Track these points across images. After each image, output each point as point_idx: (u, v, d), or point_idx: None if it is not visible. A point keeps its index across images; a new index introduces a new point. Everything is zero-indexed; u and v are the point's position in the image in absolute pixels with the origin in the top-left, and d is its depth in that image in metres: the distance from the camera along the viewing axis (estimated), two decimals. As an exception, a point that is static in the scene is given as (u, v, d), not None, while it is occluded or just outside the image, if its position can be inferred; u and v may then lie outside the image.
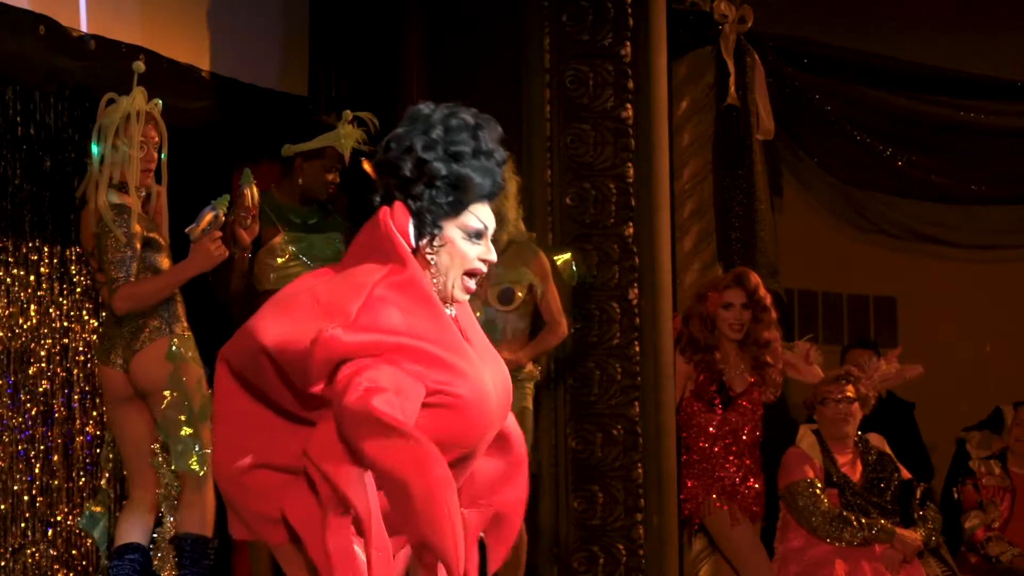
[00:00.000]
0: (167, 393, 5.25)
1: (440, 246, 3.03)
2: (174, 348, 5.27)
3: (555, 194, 6.73)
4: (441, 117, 3.01)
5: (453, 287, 3.05)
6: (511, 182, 5.90)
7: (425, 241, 3.03)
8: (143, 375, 5.28)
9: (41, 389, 6.06)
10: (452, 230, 3.03)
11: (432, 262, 3.03)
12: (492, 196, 3.07)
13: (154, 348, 5.27)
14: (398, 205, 3.01)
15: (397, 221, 3.00)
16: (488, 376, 3.02)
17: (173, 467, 5.30)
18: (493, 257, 3.08)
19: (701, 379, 6.65)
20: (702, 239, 7.58)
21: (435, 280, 3.04)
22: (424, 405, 2.88)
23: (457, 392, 2.91)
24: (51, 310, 6.10)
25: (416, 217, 3.01)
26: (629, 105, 6.76)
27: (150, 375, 5.28)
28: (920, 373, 7.08)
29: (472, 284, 3.07)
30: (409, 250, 3.00)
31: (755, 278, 6.74)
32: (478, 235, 3.05)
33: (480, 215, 3.05)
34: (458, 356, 2.96)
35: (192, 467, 5.28)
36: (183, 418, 5.25)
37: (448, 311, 3.05)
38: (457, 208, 3.02)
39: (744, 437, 6.60)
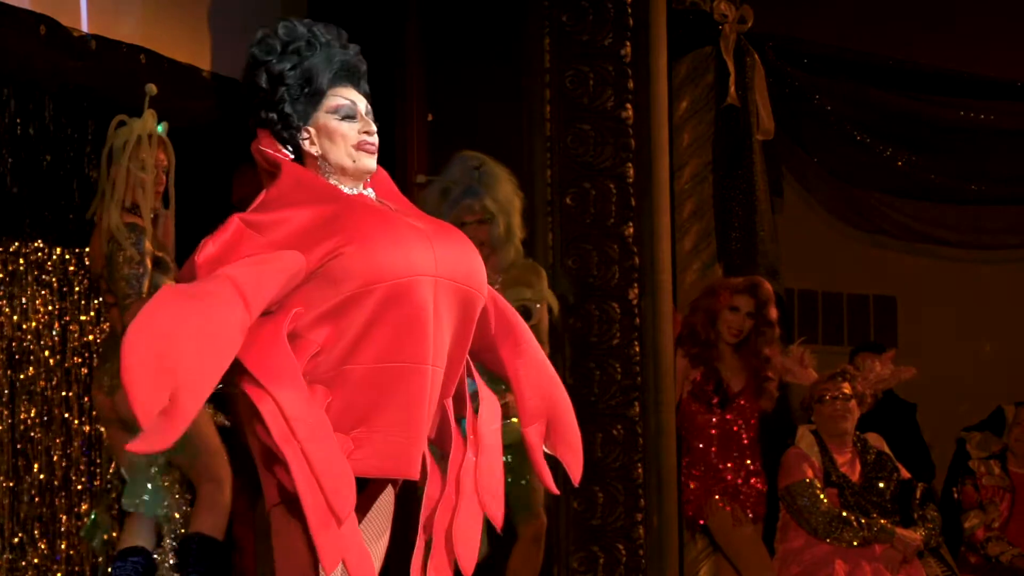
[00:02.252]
0: None
1: (319, 137, 3.14)
2: None
3: (555, 194, 6.72)
4: (272, 29, 3.17)
5: (353, 162, 3.13)
6: (517, 198, 5.87)
7: (305, 138, 3.14)
8: (126, 410, 5.29)
9: (40, 389, 6.06)
10: (323, 118, 3.14)
11: (317, 153, 3.14)
12: (346, 75, 3.18)
13: None
14: (259, 131, 3.17)
15: (263, 144, 3.15)
16: (413, 229, 3.05)
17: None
18: (372, 129, 3.15)
19: (698, 379, 6.65)
20: (702, 239, 7.58)
21: (329, 171, 3.13)
22: (322, 269, 2.93)
23: (343, 240, 2.94)
24: (50, 310, 6.10)
25: (284, 122, 3.13)
26: (629, 105, 6.76)
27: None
28: (913, 374, 7.07)
29: (370, 154, 3.14)
30: (283, 157, 3.13)
31: (769, 292, 6.73)
32: (349, 114, 3.15)
33: (342, 94, 3.17)
34: (346, 213, 3.00)
35: (156, 512, 5.31)
36: (151, 461, 5.25)
37: (352, 191, 3.14)
38: (315, 97, 3.14)
39: (743, 437, 6.60)
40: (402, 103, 6.88)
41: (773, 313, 6.68)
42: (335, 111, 3.14)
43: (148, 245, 5.29)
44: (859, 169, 8.52)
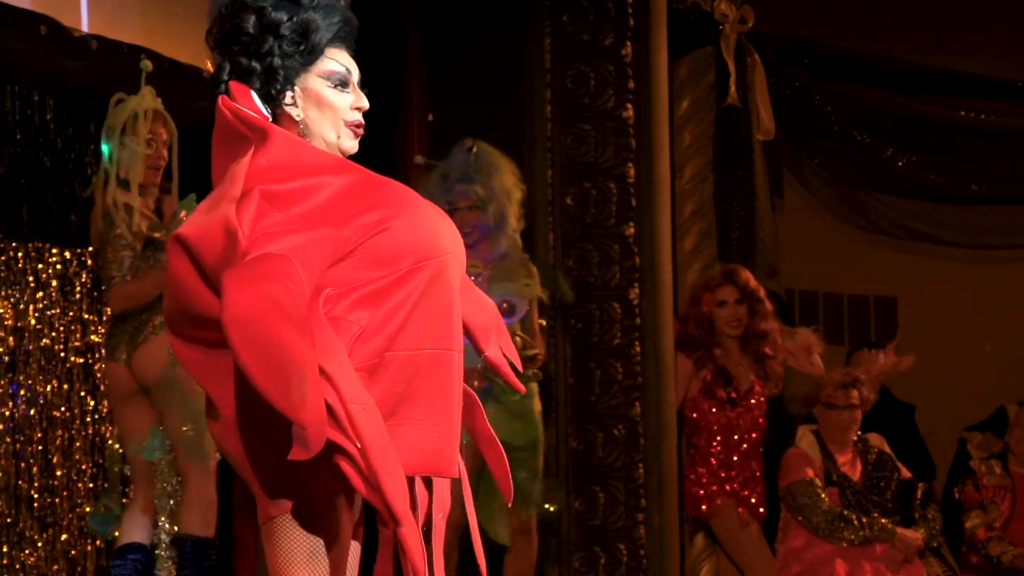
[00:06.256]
0: (170, 392, 5.25)
1: (305, 101, 2.84)
2: None
3: (556, 194, 6.73)
4: None
5: (339, 138, 2.85)
6: (516, 189, 5.86)
7: (289, 100, 2.83)
8: (144, 370, 5.28)
9: (41, 389, 6.06)
10: (313, 81, 2.83)
11: (298, 118, 2.84)
12: (345, 36, 2.86)
13: (157, 343, 5.27)
14: (233, 85, 2.80)
15: (240, 100, 2.79)
16: (422, 200, 2.81)
17: (192, 455, 5.27)
18: (365, 104, 2.87)
19: (708, 378, 6.64)
20: (703, 239, 7.58)
21: (309, 138, 2.83)
22: (364, 246, 2.67)
23: (388, 214, 2.69)
24: (51, 310, 6.10)
25: (269, 75, 2.80)
26: (630, 105, 6.76)
27: (151, 370, 5.27)
28: (912, 362, 7.03)
29: (356, 136, 2.86)
30: (265, 119, 2.78)
31: (745, 273, 6.74)
32: (343, 82, 2.85)
33: (338, 58, 2.85)
34: (376, 183, 2.74)
35: (192, 457, 5.27)
36: (183, 417, 5.24)
37: None
38: (310, 56, 2.82)
39: (754, 435, 6.59)
40: (402, 103, 6.89)
41: (760, 291, 6.68)
42: (328, 76, 2.83)
43: (139, 226, 5.28)
44: (860, 169, 8.52)
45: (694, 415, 6.65)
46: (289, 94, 2.83)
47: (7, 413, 5.94)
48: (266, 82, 2.82)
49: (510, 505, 3.07)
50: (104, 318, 6.10)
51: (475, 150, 5.77)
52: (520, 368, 3.11)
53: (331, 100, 2.84)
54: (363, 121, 2.88)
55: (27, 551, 5.95)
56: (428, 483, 2.83)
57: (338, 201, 2.68)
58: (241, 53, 2.81)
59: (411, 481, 2.75)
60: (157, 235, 5.35)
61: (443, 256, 2.74)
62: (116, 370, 5.36)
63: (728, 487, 6.55)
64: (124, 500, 5.55)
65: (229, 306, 2.50)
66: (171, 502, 5.34)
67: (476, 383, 5.49)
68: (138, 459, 5.41)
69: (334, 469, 2.63)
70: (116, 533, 5.46)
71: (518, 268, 5.83)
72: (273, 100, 2.83)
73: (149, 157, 5.37)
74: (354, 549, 2.88)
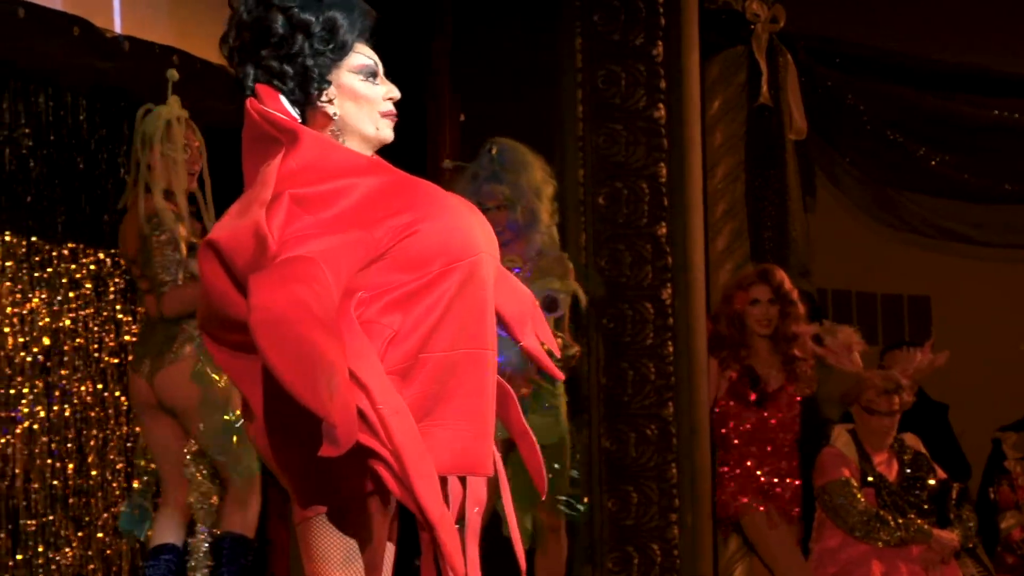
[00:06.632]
0: (201, 416, 5.23)
1: (340, 98, 2.84)
2: (199, 367, 5.24)
3: (587, 194, 6.73)
4: None
5: (376, 130, 2.87)
6: (546, 185, 5.85)
7: (325, 98, 2.83)
8: (167, 393, 5.29)
9: (75, 390, 6.08)
10: (345, 76, 2.84)
11: (335, 116, 2.85)
12: (366, 29, 2.88)
13: (179, 367, 5.26)
14: (260, 88, 2.80)
15: (268, 103, 2.79)
16: (460, 200, 2.83)
17: (237, 473, 5.27)
18: (397, 94, 2.89)
19: (733, 378, 6.62)
20: (735, 238, 7.56)
21: (344, 137, 2.85)
22: (395, 249, 2.68)
23: (418, 217, 2.70)
24: (85, 311, 6.12)
25: (303, 75, 2.81)
26: (661, 105, 6.76)
27: (174, 394, 5.28)
28: (947, 357, 6.99)
29: (392, 124, 2.89)
30: (294, 121, 2.80)
31: (780, 273, 6.72)
32: (373, 73, 2.86)
33: (365, 52, 2.87)
34: (406, 185, 2.76)
35: (252, 469, 5.28)
36: (227, 433, 5.23)
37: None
38: (340, 52, 2.83)
39: (782, 435, 6.57)
40: (434, 104, 6.89)
41: (793, 292, 6.66)
42: (360, 70, 2.85)
43: (182, 231, 5.30)
44: (892, 169, 8.48)
45: (724, 415, 6.64)
46: (325, 93, 2.83)
47: (42, 413, 5.96)
48: (301, 83, 2.82)
49: (544, 498, 3.06)
50: (137, 318, 6.12)
51: (495, 151, 5.78)
52: (559, 356, 3.10)
53: (366, 93, 2.85)
54: (395, 112, 2.90)
55: (63, 551, 5.97)
56: (462, 478, 2.83)
57: (368, 203, 2.68)
58: (271, 56, 2.81)
59: (443, 479, 2.75)
60: (196, 240, 5.37)
61: (476, 256, 2.75)
62: (137, 382, 5.38)
63: (758, 487, 6.53)
64: (157, 499, 5.57)
65: (256, 308, 2.52)
66: (211, 507, 5.35)
67: (524, 390, 5.51)
68: (168, 463, 5.42)
69: (367, 470, 2.64)
70: (149, 533, 5.47)
71: (556, 265, 5.82)
72: (306, 101, 2.83)
73: (187, 162, 5.40)
74: (388, 549, 2.89)
